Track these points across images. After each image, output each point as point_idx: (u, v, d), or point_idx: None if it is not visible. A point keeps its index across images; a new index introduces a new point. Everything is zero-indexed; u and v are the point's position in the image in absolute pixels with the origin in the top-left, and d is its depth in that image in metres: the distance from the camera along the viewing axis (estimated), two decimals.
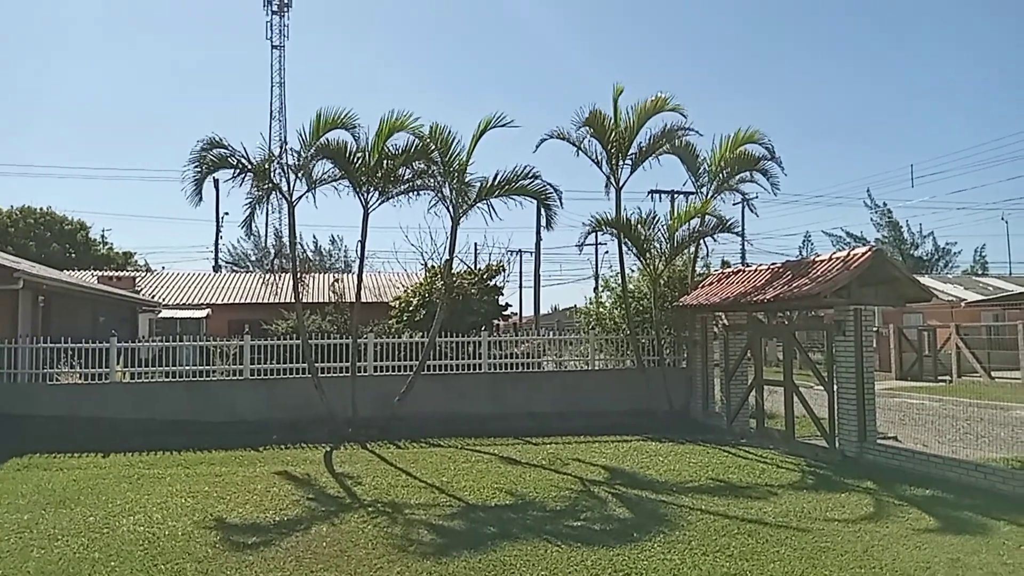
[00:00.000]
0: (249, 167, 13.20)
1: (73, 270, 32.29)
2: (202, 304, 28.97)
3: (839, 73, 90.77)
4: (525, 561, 6.35)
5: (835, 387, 11.11)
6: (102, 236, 49.17)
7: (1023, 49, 76.43)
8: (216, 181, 13.89)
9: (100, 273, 31.71)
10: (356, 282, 14.63)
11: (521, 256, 46.96)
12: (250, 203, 13.62)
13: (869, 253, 10.96)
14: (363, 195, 13.78)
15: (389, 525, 7.55)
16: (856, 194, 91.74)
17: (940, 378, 24.03)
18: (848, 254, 11.38)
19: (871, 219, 60.49)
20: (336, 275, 30.82)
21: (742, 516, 7.79)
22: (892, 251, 53.42)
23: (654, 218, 15.65)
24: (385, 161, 13.54)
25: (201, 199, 13.51)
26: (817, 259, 12.19)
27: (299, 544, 6.89)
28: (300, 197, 13.66)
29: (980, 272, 54.04)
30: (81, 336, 14.70)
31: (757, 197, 16.82)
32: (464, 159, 13.72)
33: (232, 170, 13.29)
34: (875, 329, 21.79)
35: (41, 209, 44.63)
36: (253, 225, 14.03)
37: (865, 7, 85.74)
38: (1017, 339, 23.09)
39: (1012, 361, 23.15)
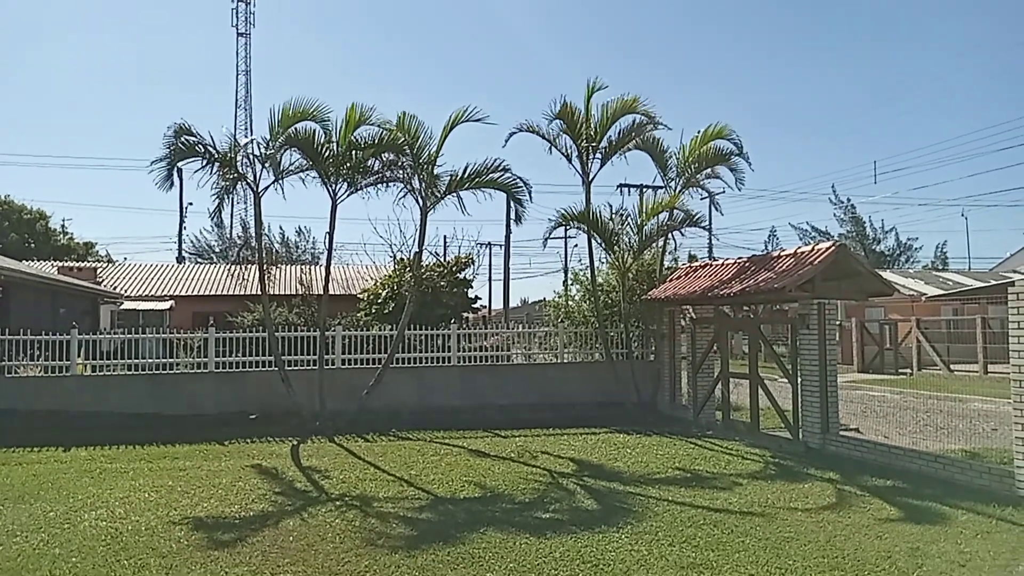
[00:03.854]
0: (216, 156, 12.99)
1: (32, 260, 31.57)
2: (165, 296, 28.52)
3: (803, 70, 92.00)
4: (494, 553, 6.36)
5: (799, 380, 11.27)
6: (62, 226, 48.22)
7: (985, 48, 78.11)
8: (180, 171, 13.68)
9: (60, 264, 31.08)
10: (324, 274, 14.47)
11: (491, 249, 46.99)
12: (218, 193, 13.37)
13: (833, 248, 11.13)
14: (331, 186, 13.64)
15: (357, 519, 7.51)
16: (820, 190, 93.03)
17: (901, 371, 24.50)
18: (812, 249, 11.53)
19: (835, 214, 61.65)
20: (303, 267, 30.53)
21: (708, 507, 7.88)
22: (855, 246, 54.49)
23: (623, 212, 15.75)
24: (354, 152, 13.41)
25: (172, 185, 13.33)
26: (782, 254, 12.34)
27: (265, 539, 6.82)
28: (267, 187, 13.47)
29: (940, 267, 55.24)
30: (41, 328, 14.38)
31: (724, 192, 17.02)
32: (434, 151, 13.64)
33: (200, 159, 13.06)
34: (838, 323, 22.12)
35: None
36: (222, 216, 13.84)
37: (831, 5, 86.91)
38: (975, 333, 23.64)
39: (970, 354, 23.69)
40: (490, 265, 49.07)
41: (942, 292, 32.10)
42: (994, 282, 30.70)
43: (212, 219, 13.51)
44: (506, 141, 15.41)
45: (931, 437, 11.46)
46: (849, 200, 60.00)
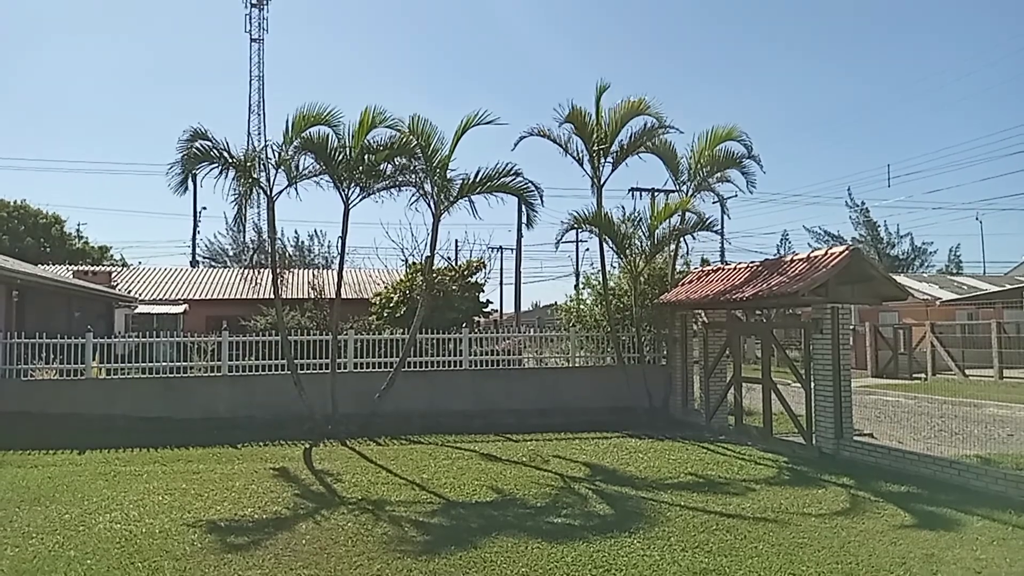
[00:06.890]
0: (231, 161, 13.06)
1: (48, 264, 31.85)
2: (179, 300, 28.69)
3: (817, 73, 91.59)
4: (506, 557, 6.36)
5: (812, 384, 11.22)
6: (77, 230, 48.61)
7: (1000, 51, 77.53)
8: (194, 175, 13.75)
9: (75, 268, 31.34)
10: (336, 278, 14.54)
11: (502, 253, 46.94)
12: (237, 199, 13.39)
13: (847, 252, 11.08)
14: (344, 190, 13.69)
15: (370, 522, 7.53)
16: (832, 193, 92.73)
17: (915, 376, 24.36)
18: (826, 253, 11.49)
19: (850, 217, 61.46)
20: (316, 270, 30.66)
21: (720, 512, 7.85)
22: (869, 250, 54.18)
23: (635, 216, 15.73)
24: (366, 156, 13.45)
25: (186, 189, 13.36)
26: (795, 258, 12.29)
27: (279, 542, 6.85)
28: (280, 192, 13.53)
29: (955, 271, 54.88)
30: (56, 331, 14.49)
31: (736, 196, 16.99)
32: (446, 155, 13.65)
33: (215, 164, 13.12)
34: (852, 327, 22.01)
35: (15, 202, 43.95)
36: (244, 222, 13.94)
37: (845, 7, 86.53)
38: (990, 337, 23.46)
39: (985, 359, 23.52)
40: (501, 269, 49.04)
41: (957, 296, 31.88)
42: (1009, 286, 30.50)
43: (234, 224, 13.55)
44: (515, 145, 15.42)
45: (946, 442, 11.39)
46: (864, 204, 59.81)
